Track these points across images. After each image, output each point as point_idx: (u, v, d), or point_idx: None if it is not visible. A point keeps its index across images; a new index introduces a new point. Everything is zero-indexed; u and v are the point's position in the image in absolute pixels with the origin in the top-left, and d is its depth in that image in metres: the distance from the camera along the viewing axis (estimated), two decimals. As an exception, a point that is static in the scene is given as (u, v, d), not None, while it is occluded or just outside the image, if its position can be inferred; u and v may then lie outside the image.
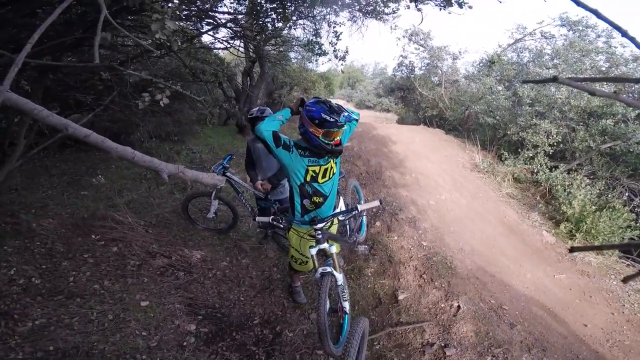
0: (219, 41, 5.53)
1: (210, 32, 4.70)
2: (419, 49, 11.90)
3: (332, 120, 2.07)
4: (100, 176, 4.62)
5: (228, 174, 3.67)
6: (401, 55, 12.59)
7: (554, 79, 0.63)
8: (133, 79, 2.59)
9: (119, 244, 3.38)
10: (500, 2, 3.49)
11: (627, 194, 5.78)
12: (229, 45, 5.57)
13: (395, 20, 6.82)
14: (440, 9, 4.07)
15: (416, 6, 4.32)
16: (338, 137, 2.19)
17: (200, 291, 3.14)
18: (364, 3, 5.85)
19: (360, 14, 6.31)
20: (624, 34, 0.71)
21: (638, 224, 5.08)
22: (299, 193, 2.35)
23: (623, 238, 4.82)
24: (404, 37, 11.68)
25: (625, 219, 4.93)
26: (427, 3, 4.12)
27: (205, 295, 3.13)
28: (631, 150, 5.83)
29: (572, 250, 0.57)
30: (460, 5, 3.75)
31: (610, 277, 4.08)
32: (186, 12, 3.74)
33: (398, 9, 6.11)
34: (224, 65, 7.01)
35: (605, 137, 6.19)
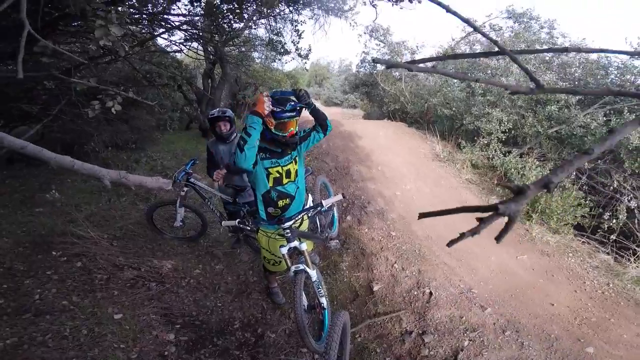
0: (174, 44, 5.38)
1: (164, 35, 4.55)
2: (379, 44, 12.08)
3: (278, 109, 2.12)
4: (54, 191, 4.34)
5: (192, 180, 3.58)
6: (363, 52, 12.75)
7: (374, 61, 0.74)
8: (80, 87, 2.46)
9: (83, 259, 3.24)
10: None
11: (574, 173, 6.30)
12: (184, 48, 5.43)
13: (354, 17, 6.98)
14: (393, 5, 4.23)
15: (371, 2, 4.44)
16: (292, 128, 2.23)
17: (175, 300, 3.07)
18: (325, 0, 5.93)
19: (321, 12, 6.39)
20: (475, 28, 0.81)
21: (587, 201, 5.56)
22: (262, 201, 2.38)
23: (575, 216, 5.24)
24: (365, 33, 11.86)
25: (575, 197, 5.34)
26: None
27: (181, 304, 3.06)
28: (575, 133, 6.37)
29: (420, 216, 0.68)
30: (410, 0, 3.93)
31: (569, 256, 4.29)
32: (137, 16, 3.59)
33: (355, 6, 6.25)
34: (181, 68, 6.79)
35: (552, 122, 6.70)
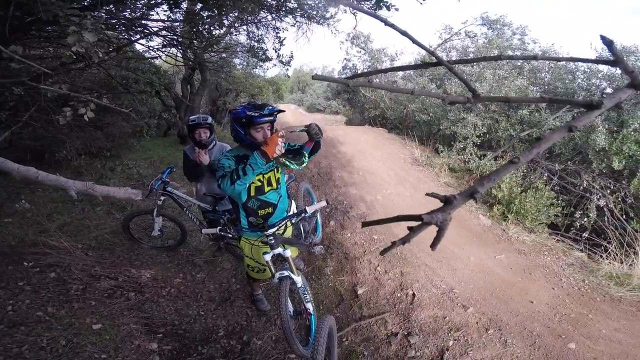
0: (152, 50, 5.29)
1: (142, 41, 4.46)
2: (360, 51, 12.27)
3: (256, 114, 2.09)
4: (24, 201, 4.14)
5: (169, 188, 3.50)
6: (345, 59, 12.86)
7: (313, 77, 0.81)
8: (51, 93, 2.36)
9: (57, 269, 3.10)
10: (421, 3, 3.79)
11: (546, 174, 6.58)
12: (162, 54, 5.33)
13: (335, 25, 7.06)
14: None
15: (351, 10, 4.53)
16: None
17: (155, 310, 2.99)
18: (307, 8, 5.97)
19: (304, 19, 6.43)
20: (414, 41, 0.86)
21: (559, 201, 5.81)
22: (243, 210, 2.35)
23: (549, 215, 5.47)
24: (346, 40, 12.01)
25: (547, 197, 5.58)
26: (361, 6, 4.35)
27: (162, 313, 2.98)
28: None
29: (363, 225, 0.74)
30: (388, 8, 4.06)
31: (545, 254, 4.45)
32: (113, 21, 3.51)
33: (337, 13, 6.34)
34: (159, 73, 6.65)
35: (524, 125, 6.98)
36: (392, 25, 0.85)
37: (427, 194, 0.73)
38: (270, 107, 2.15)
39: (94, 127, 5.79)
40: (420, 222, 0.62)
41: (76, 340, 2.42)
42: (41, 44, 4.30)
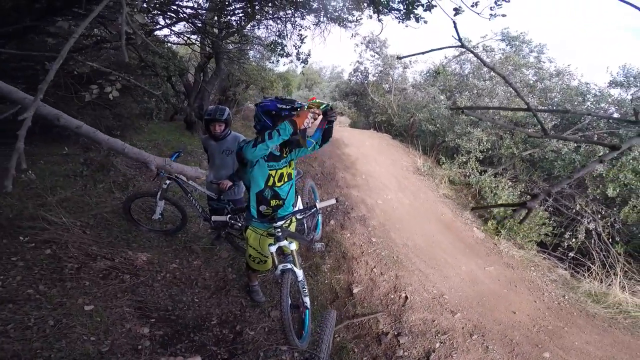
0: (176, 35, 5.31)
1: (169, 26, 4.48)
2: (374, 56, 12.28)
3: (288, 107, 2.19)
4: (30, 172, 4.12)
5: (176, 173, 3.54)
6: (357, 61, 12.86)
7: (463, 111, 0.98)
8: (81, 69, 2.40)
9: (53, 246, 3.05)
10: (452, 18, 3.68)
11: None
12: (187, 40, 5.35)
13: (356, 28, 7.09)
14: (399, 22, 4.23)
15: (378, 17, 4.50)
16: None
17: (149, 294, 2.97)
18: (331, 9, 6.00)
19: (326, 19, 6.44)
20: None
21: (551, 221, 5.93)
22: (255, 199, 2.41)
23: (539, 234, 5.58)
24: (362, 43, 12.00)
25: (540, 217, 5.70)
26: (388, 14, 4.32)
27: (156, 298, 2.97)
28: (547, 157, 6.76)
29: (472, 209, 0.96)
30: (417, 20, 3.98)
31: (531, 269, 4.65)
32: (150, 4, 3.53)
33: (361, 18, 6.36)
34: (176, 59, 6.65)
35: (527, 145, 7.08)
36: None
37: (526, 192, 1.01)
38: (298, 103, 2.25)
39: (106, 106, 5.81)
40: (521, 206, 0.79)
41: (65, 321, 2.37)
42: (77, 22, 4.33)
